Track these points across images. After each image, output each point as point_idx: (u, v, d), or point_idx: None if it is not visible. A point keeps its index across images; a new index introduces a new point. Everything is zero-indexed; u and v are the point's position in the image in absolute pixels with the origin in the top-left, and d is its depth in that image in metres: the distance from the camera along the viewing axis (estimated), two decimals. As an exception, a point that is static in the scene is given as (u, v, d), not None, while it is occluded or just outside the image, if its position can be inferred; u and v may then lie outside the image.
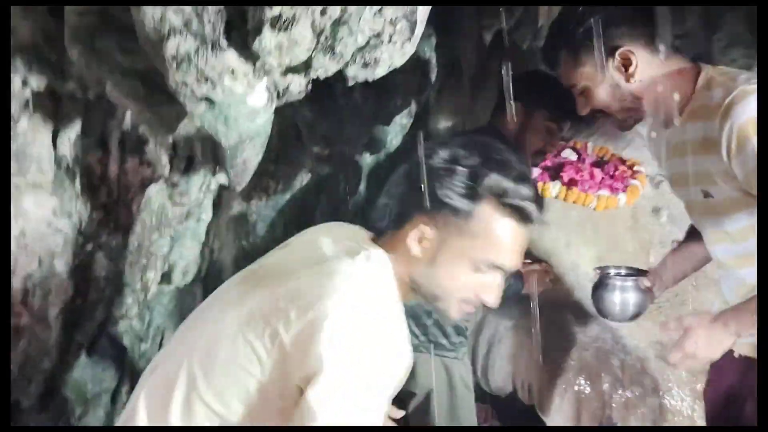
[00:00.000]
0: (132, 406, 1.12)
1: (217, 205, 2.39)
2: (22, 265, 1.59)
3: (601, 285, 1.60)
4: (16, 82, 1.34)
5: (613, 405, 2.08)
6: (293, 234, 1.34)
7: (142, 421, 1.07)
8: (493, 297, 1.16)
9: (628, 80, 1.46)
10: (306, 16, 1.08)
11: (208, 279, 2.52)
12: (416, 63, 2.62)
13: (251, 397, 1.01)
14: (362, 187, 3.13)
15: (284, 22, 1.05)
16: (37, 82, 1.38)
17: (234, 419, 1.02)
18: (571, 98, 1.57)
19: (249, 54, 1.09)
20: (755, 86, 1.33)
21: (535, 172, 2.77)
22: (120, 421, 1.16)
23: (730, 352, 1.47)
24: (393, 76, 2.61)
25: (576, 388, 2.14)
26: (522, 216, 1.12)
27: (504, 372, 2.34)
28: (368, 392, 0.98)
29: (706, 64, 1.49)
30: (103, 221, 1.83)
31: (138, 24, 1.10)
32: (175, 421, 1.04)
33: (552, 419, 2.16)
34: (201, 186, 2.17)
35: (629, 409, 2.04)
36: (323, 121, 2.50)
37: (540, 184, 2.67)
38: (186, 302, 2.44)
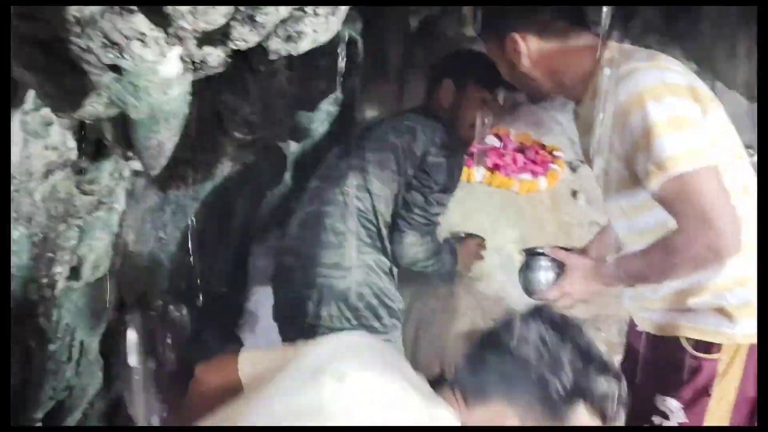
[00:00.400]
0: None
1: (131, 193, 2.26)
2: None
3: (527, 266, 1.64)
4: None
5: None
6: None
7: None
8: None
9: (518, 62, 1.56)
10: (222, -20, 1.02)
11: (122, 273, 2.38)
12: (337, 47, 2.58)
13: None
14: (287, 176, 3.06)
15: (198, -16, 0.99)
16: None
17: None
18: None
19: (161, 18, 1.01)
20: (650, 63, 1.39)
21: (460, 158, 2.81)
22: None
23: (633, 324, 1.55)
24: (317, 58, 2.56)
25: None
26: None
27: (431, 354, 2.36)
28: None
29: (615, 43, 1.54)
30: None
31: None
32: None
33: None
34: (112, 172, 2.03)
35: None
36: (245, 105, 2.41)
37: (465, 169, 2.71)
38: (97, 299, 2.29)
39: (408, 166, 2.13)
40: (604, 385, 1.11)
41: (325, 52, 2.44)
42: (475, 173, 2.65)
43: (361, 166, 2.20)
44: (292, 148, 3.02)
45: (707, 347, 1.44)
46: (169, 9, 1.00)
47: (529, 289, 1.65)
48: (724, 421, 1.42)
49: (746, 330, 1.40)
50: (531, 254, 1.64)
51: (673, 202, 1.31)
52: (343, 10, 1.37)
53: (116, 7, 0.99)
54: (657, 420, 1.48)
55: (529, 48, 1.54)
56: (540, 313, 1.18)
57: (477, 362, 1.20)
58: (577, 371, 1.10)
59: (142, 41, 1.02)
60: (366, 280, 2.06)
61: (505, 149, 2.85)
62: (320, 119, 3.07)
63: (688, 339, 1.45)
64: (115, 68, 1.06)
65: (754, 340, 1.37)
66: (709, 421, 1.42)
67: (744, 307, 1.40)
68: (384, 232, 2.12)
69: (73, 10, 0.98)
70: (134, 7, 1.00)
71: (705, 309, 1.43)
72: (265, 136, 2.60)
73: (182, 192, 2.60)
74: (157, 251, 2.58)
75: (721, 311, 1.42)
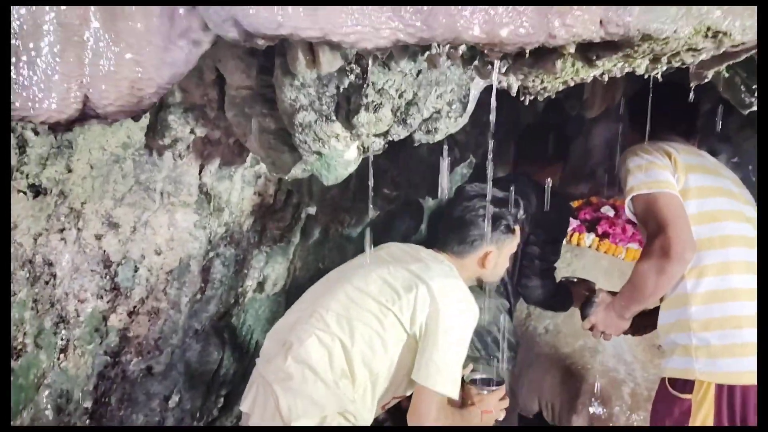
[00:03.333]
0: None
1: (303, 231, 2.94)
2: (169, 262, 2.15)
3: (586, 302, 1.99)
4: (186, 129, 1.92)
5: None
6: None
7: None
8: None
9: None
10: (389, 102, 1.60)
11: (290, 292, 3.04)
12: (474, 124, 3.11)
13: (373, 334, 1.55)
14: (423, 226, 3.61)
15: (374, 105, 1.58)
16: (199, 131, 1.95)
17: (356, 352, 1.54)
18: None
19: (349, 125, 1.61)
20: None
21: (574, 223, 3.19)
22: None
23: (662, 381, 1.81)
24: (455, 134, 3.12)
25: (591, 410, 2.49)
26: None
27: (532, 393, 2.71)
28: (466, 346, 1.58)
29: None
30: (224, 236, 2.39)
31: (278, 100, 1.65)
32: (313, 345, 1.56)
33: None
34: (294, 214, 2.72)
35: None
36: (393, 168, 3.02)
37: (576, 235, 3.08)
38: (272, 309, 2.96)
39: (525, 224, 2.54)
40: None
41: (463, 129, 3.01)
42: (585, 238, 3.01)
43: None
44: (429, 202, 3.57)
45: (682, 386, 1.70)
46: (355, 120, 1.60)
47: (582, 318, 1.99)
48: None
49: (706, 368, 1.65)
50: (587, 292, 2.00)
51: (641, 215, 1.74)
52: (468, 111, 1.90)
53: (325, 117, 1.61)
54: None
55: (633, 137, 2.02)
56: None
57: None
58: None
59: (337, 138, 1.62)
60: (493, 320, 2.49)
61: (618, 218, 3.17)
62: (455, 180, 3.62)
63: (668, 379, 1.75)
64: (318, 153, 1.68)
65: (718, 379, 1.63)
66: None
67: (704, 348, 1.66)
68: (506, 279, 2.53)
69: (299, 119, 1.62)
70: (335, 118, 1.61)
71: (674, 350, 1.72)
72: (407, 193, 3.19)
73: (339, 233, 3.25)
74: (315, 278, 3.23)
75: (686, 351, 1.70)
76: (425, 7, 0.66)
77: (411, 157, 2.98)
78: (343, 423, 1.53)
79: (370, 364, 1.56)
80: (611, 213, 3.23)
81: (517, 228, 1.90)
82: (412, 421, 1.57)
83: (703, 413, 1.68)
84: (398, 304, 1.57)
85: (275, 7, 0.65)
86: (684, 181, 1.77)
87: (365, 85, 1.53)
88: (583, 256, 3.01)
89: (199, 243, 2.18)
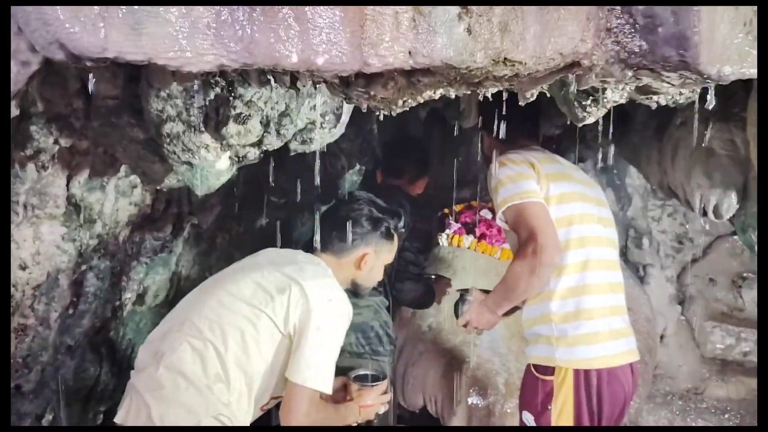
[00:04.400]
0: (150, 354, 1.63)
1: (186, 241, 2.89)
2: (35, 277, 2.06)
3: (457, 300, 2.13)
4: (50, 140, 1.85)
5: (497, 414, 2.59)
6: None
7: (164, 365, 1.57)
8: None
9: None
10: (258, 113, 1.64)
11: (173, 304, 2.98)
12: (358, 133, 3.22)
13: (246, 337, 1.58)
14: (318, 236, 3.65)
15: (242, 117, 1.61)
16: (64, 141, 1.89)
17: (230, 356, 1.56)
18: None
19: (218, 136, 1.63)
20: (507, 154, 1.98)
21: (455, 226, 3.36)
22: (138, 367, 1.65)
23: (528, 366, 1.99)
24: (339, 142, 3.19)
25: (470, 400, 2.65)
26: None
27: (416, 389, 2.83)
28: (338, 343, 1.64)
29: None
30: (97, 248, 2.31)
31: (145, 110, 1.64)
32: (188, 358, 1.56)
33: (450, 425, 2.65)
34: (175, 224, 2.68)
35: (509, 419, 2.55)
36: (281, 176, 3.05)
37: (456, 237, 3.25)
38: (154, 322, 2.89)
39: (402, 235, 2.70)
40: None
41: (347, 138, 3.10)
42: (464, 240, 3.19)
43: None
44: (322, 209, 3.63)
45: (544, 370, 1.89)
46: (224, 131, 1.62)
47: (456, 316, 2.13)
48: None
49: (566, 356, 1.84)
50: (460, 291, 2.14)
51: (512, 223, 1.89)
52: (343, 123, 1.97)
53: (193, 128, 1.62)
54: None
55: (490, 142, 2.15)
56: None
57: None
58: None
59: (206, 149, 1.64)
60: (374, 316, 2.60)
61: (494, 221, 3.36)
62: (344, 187, 3.70)
63: (533, 365, 1.94)
64: (188, 163, 1.68)
65: (575, 365, 1.83)
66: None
67: (563, 339, 1.86)
68: (385, 279, 2.66)
69: (167, 129, 1.62)
70: (203, 129, 1.63)
71: (538, 340, 1.92)
72: (295, 200, 3.22)
73: (226, 241, 3.22)
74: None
75: (548, 341, 1.90)
76: (247, 34, 0.71)
77: (299, 165, 3.02)
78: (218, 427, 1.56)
79: (244, 366, 1.58)
80: (489, 216, 3.43)
81: (396, 237, 1.99)
82: (283, 415, 1.61)
83: (564, 393, 1.86)
84: (271, 305, 1.61)
85: (101, 30, 0.67)
86: (546, 189, 1.93)
87: (231, 97, 1.56)
88: (462, 257, 3.18)
89: (68, 256, 2.10)
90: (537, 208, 1.87)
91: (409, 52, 0.78)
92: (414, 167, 2.79)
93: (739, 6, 1.01)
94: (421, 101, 1.11)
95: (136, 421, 1.54)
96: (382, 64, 0.77)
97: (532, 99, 1.13)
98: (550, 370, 1.89)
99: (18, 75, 0.74)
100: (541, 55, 0.83)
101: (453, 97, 1.11)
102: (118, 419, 1.60)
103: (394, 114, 1.23)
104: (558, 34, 0.81)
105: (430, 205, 3.24)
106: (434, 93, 1.06)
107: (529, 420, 1.91)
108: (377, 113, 1.26)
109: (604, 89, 1.22)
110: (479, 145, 2.35)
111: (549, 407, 1.84)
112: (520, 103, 1.18)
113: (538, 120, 2.25)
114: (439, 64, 0.80)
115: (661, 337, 4.34)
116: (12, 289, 2.04)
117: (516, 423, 2.11)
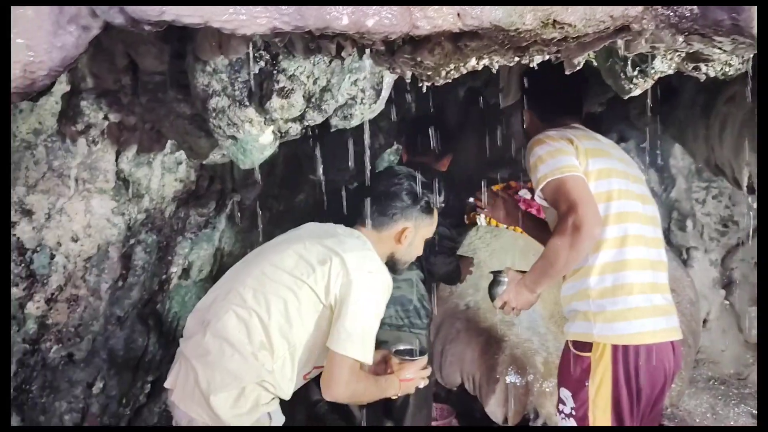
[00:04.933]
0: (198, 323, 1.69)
1: (229, 217, 2.96)
2: (86, 249, 2.14)
3: (491, 282, 2.12)
4: (99, 115, 1.91)
5: (534, 393, 2.58)
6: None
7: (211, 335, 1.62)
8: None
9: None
10: (300, 88, 1.66)
11: (217, 278, 3.05)
12: (396, 112, 3.21)
13: (289, 306, 1.61)
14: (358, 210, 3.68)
15: (285, 91, 1.63)
16: (112, 116, 1.95)
17: (274, 324, 1.60)
18: None
19: (262, 110, 1.66)
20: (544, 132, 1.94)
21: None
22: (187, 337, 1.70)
23: (566, 342, 1.99)
24: (378, 120, 3.20)
25: (507, 379, 2.65)
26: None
27: (454, 366, 2.84)
28: (377, 315, 1.65)
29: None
30: (144, 222, 2.38)
31: (191, 86, 1.68)
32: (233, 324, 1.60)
33: (488, 403, 2.66)
34: (218, 200, 2.74)
35: (547, 397, 2.55)
36: (319, 154, 3.08)
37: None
38: (199, 296, 2.97)
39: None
40: None
41: (385, 116, 3.10)
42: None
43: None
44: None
45: (582, 347, 1.87)
46: (268, 105, 1.65)
47: (491, 299, 2.13)
48: (606, 408, 1.84)
49: (603, 332, 1.81)
50: (494, 273, 2.14)
51: (552, 198, 1.85)
52: (383, 98, 1.98)
53: (238, 102, 1.65)
54: (560, 406, 1.95)
55: (531, 120, 2.14)
56: None
57: None
58: None
59: (251, 123, 1.67)
60: (413, 290, 2.64)
61: (533, 200, 3.32)
62: (382, 165, 3.72)
63: (570, 341, 1.93)
64: (233, 137, 1.72)
65: (612, 341, 1.81)
66: (592, 407, 1.85)
67: (600, 314, 1.82)
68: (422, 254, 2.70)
69: (212, 104, 1.65)
70: (248, 103, 1.66)
71: (576, 316, 1.90)
72: (335, 178, 3.25)
73: (266, 218, 3.28)
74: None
75: (585, 316, 1.88)
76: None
77: (335, 143, 3.05)
78: (263, 393, 1.60)
79: (287, 335, 1.62)
80: (528, 195, 3.39)
81: (435, 212, 2.00)
82: (324, 384, 1.65)
83: (601, 369, 1.85)
84: (312, 276, 1.65)
85: (158, -6, 0.70)
86: (585, 164, 1.91)
87: (275, 71, 1.58)
88: (501, 237, 3.16)
89: (118, 229, 2.17)
90: (577, 182, 1.85)
91: (458, 14, 0.78)
92: (438, 144, 2.79)
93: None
94: (464, 72, 1.11)
95: (185, 384, 1.60)
96: (431, 27, 0.78)
97: (578, 67, 1.12)
98: (587, 346, 1.88)
99: (79, 39, 0.77)
100: (591, 17, 0.82)
101: (495, 69, 1.10)
102: (168, 383, 1.67)
103: (437, 84, 1.23)
104: (608, -5, 0.80)
105: (467, 183, 3.22)
106: (478, 63, 1.05)
107: (567, 397, 1.90)
108: (420, 87, 1.27)
109: (653, 57, 1.19)
110: (518, 123, 2.33)
111: (586, 383, 1.83)
112: (565, 72, 1.16)
113: (581, 96, 2.22)
114: (488, 26, 0.79)
115: (704, 321, 4.26)
116: (64, 260, 2.13)
117: (554, 402, 2.10)
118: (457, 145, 2.83)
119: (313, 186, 3.22)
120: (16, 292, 1.99)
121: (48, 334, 2.12)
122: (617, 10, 0.84)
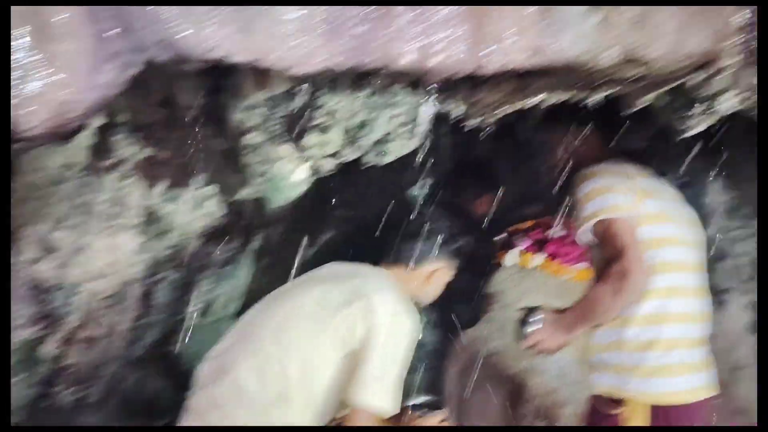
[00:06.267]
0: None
1: (253, 254, 2.88)
2: (108, 287, 2.08)
3: (520, 320, 2.01)
4: (131, 150, 1.87)
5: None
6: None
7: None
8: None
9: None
10: (338, 123, 1.60)
11: (239, 316, 2.97)
12: (428, 147, 3.16)
13: (309, 354, 1.52)
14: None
15: (323, 126, 1.58)
16: (145, 151, 1.90)
17: (293, 373, 1.50)
18: None
19: (298, 146, 1.61)
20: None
21: (527, 242, 3.23)
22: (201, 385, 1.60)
23: (591, 398, 1.86)
24: (409, 156, 3.14)
25: None
26: None
27: (478, 416, 2.73)
28: (403, 360, 1.56)
29: None
30: (168, 259, 2.32)
31: (226, 121, 1.63)
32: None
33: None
34: (243, 236, 2.67)
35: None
36: (349, 190, 3.02)
37: (527, 254, 3.13)
38: (220, 335, 2.89)
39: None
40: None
41: (416, 151, 3.04)
42: (535, 258, 3.05)
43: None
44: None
45: (609, 403, 1.75)
46: (305, 140, 1.60)
47: (519, 337, 2.02)
48: None
49: (640, 388, 1.71)
50: (527, 309, 2.03)
51: (600, 240, 1.79)
52: (418, 135, 1.92)
53: (274, 138, 1.60)
54: None
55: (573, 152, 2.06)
56: None
57: None
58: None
59: (285, 160, 1.61)
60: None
61: (567, 238, 3.22)
62: (413, 202, 3.65)
63: (596, 396, 1.80)
64: (265, 174, 1.66)
65: (650, 399, 1.68)
66: None
67: (637, 368, 1.72)
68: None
69: (247, 139, 1.60)
70: (285, 139, 1.60)
71: (606, 368, 1.77)
72: (363, 214, 3.18)
73: (292, 255, 3.21)
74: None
75: (617, 370, 1.75)
76: (363, 32, 0.66)
77: (366, 179, 2.99)
78: None
79: (307, 384, 1.54)
80: (562, 233, 3.28)
81: (462, 256, 1.95)
82: None
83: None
84: (333, 321, 1.56)
85: (210, 29, 0.64)
86: (640, 205, 1.81)
87: (313, 107, 1.53)
88: (529, 277, 3.05)
89: (142, 267, 2.11)
90: (626, 226, 1.76)
91: (533, 51, 0.71)
92: (479, 183, 2.72)
93: None
94: (519, 108, 1.04)
95: None
96: (499, 65, 0.71)
97: (641, 106, 1.04)
98: (615, 403, 1.76)
99: (118, 77, 0.72)
100: (677, 51, 0.74)
101: (552, 102, 1.03)
102: None
103: (491, 120, 1.17)
104: (696, 30, 0.73)
105: (493, 225, 3.13)
106: (535, 97, 0.98)
107: None
108: (457, 124, 1.20)
109: (721, 94, 1.12)
110: (555, 157, 2.24)
111: None
112: (626, 112, 1.09)
113: (628, 131, 2.13)
114: (562, 64, 0.72)
115: (738, 368, 4.07)
116: (85, 298, 2.06)
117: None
118: (495, 183, 2.75)
119: (341, 222, 3.15)
120: (30, 333, 1.93)
121: (62, 376, 2.04)
122: (703, 45, 0.76)
